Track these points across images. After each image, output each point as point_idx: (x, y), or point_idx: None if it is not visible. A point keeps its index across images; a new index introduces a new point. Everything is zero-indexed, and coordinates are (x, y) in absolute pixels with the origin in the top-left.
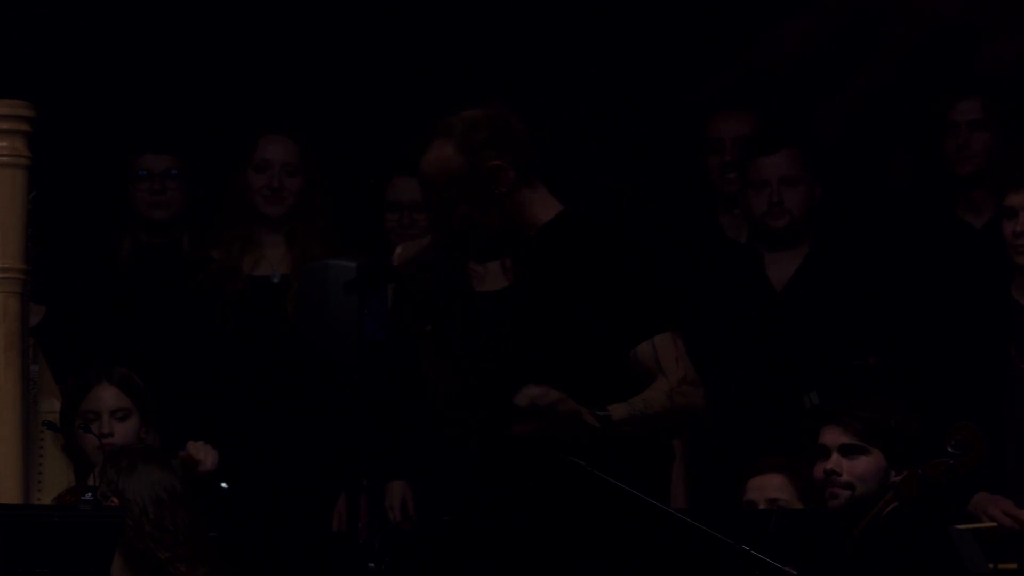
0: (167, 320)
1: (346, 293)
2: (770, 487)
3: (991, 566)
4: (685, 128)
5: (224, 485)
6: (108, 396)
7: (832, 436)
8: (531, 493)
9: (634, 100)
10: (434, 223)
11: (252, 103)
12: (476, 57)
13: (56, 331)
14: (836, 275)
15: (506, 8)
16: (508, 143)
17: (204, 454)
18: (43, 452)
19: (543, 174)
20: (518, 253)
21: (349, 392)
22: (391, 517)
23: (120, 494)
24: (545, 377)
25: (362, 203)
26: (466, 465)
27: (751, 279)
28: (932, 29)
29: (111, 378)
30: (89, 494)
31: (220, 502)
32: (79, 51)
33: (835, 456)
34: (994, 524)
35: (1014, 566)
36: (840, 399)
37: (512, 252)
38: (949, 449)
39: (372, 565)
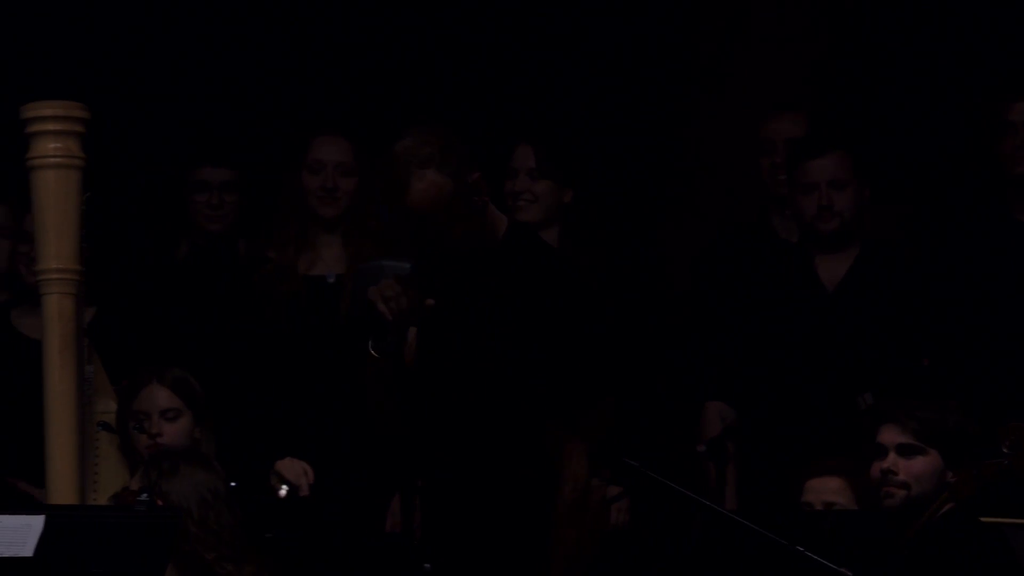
0: (222, 321)
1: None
2: (827, 490)
3: None
4: (740, 129)
5: (283, 491)
6: (158, 396)
7: (890, 435)
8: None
9: (686, 100)
10: (420, 252)
11: (304, 104)
12: (524, 58)
13: (111, 332)
14: (888, 275)
15: (554, 8)
16: (468, 154)
17: (297, 476)
18: (98, 453)
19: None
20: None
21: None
22: None
23: (164, 496)
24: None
25: None
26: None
27: (802, 280)
28: (987, 29)
29: (162, 379)
30: (144, 495)
31: (273, 502)
32: (135, 54)
33: (892, 455)
34: None
35: None
36: (894, 400)
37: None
38: (1004, 450)
39: (428, 566)
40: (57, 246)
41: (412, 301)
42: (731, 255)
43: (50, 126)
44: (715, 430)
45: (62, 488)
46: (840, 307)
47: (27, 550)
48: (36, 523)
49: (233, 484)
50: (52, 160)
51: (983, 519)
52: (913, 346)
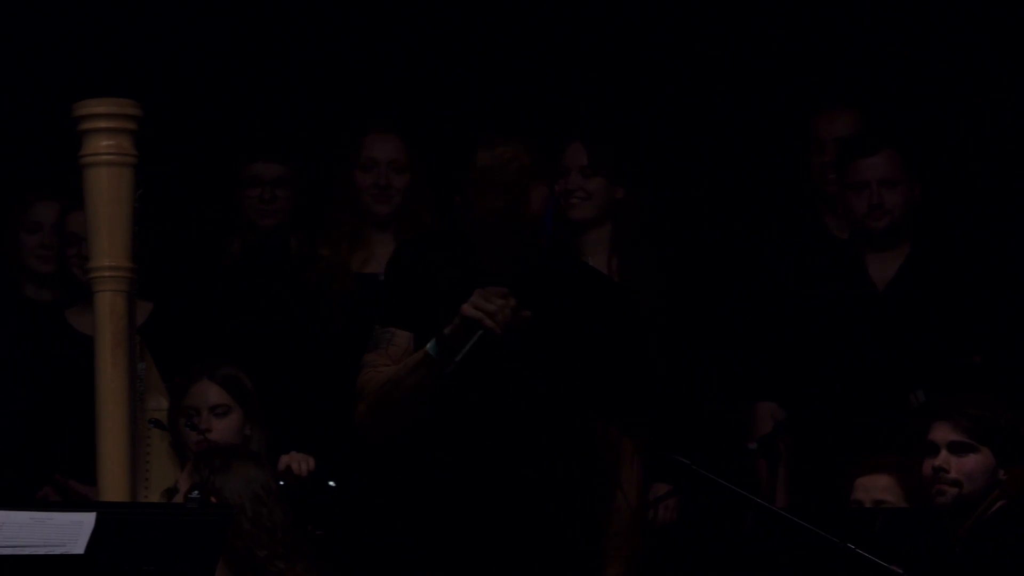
0: (274, 318)
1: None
2: (877, 487)
3: None
4: (790, 126)
5: (332, 483)
6: (209, 393)
7: (942, 433)
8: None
9: (740, 96)
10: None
11: (355, 99)
12: (574, 55)
13: (163, 329)
14: (939, 273)
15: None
16: None
17: (299, 464)
18: (150, 450)
19: None
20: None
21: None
22: None
23: (217, 492)
24: None
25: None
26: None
27: (853, 278)
28: None
29: (213, 375)
30: (196, 492)
31: (327, 500)
32: (189, 52)
33: (944, 453)
34: None
35: None
36: (946, 397)
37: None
38: None
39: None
40: (109, 243)
41: (515, 312)
42: (782, 253)
43: (103, 124)
44: (766, 429)
45: (113, 485)
46: (890, 305)
47: (78, 547)
48: (87, 520)
49: (282, 482)
50: (105, 158)
51: None
52: (965, 343)
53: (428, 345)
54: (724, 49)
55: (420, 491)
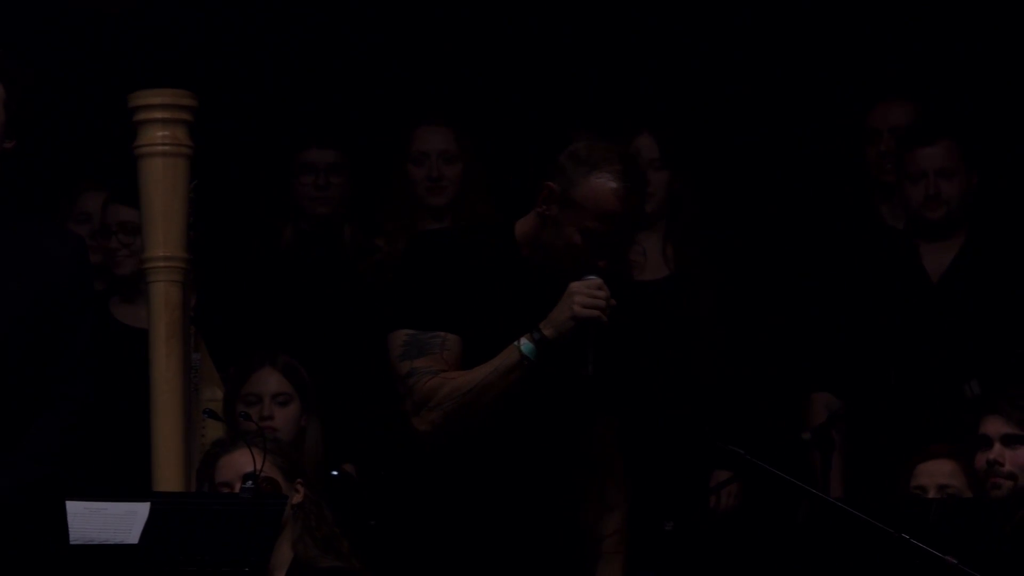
0: (328, 308)
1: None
2: (941, 473)
3: None
4: (846, 116)
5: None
6: (271, 380)
7: (994, 426)
8: None
9: (796, 87)
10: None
11: (408, 93)
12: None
13: (216, 318)
14: (993, 264)
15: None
16: None
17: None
18: (204, 441)
19: None
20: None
21: None
22: None
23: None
24: None
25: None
26: None
27: (907, 269)
28: None
29: (275, 363)
30: (249, 482)
31: (375, 491)
32: (242, 42)
33: (997, 446)
34: None
35: None
36: (997, 390)
37: None
38: None
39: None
40: (164, 234)
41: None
42: (838, 242)
43: (158, 114)
44: (821, 420)
45: (168, 475)
46: (944, 296)
47: (132, 537)
48: (141, 510)
49: (335, 472)
50: (160, 148)
51: None
52: (1018, 334)
53: (523, 348)
54: (781, 40)
55: (451, 489)
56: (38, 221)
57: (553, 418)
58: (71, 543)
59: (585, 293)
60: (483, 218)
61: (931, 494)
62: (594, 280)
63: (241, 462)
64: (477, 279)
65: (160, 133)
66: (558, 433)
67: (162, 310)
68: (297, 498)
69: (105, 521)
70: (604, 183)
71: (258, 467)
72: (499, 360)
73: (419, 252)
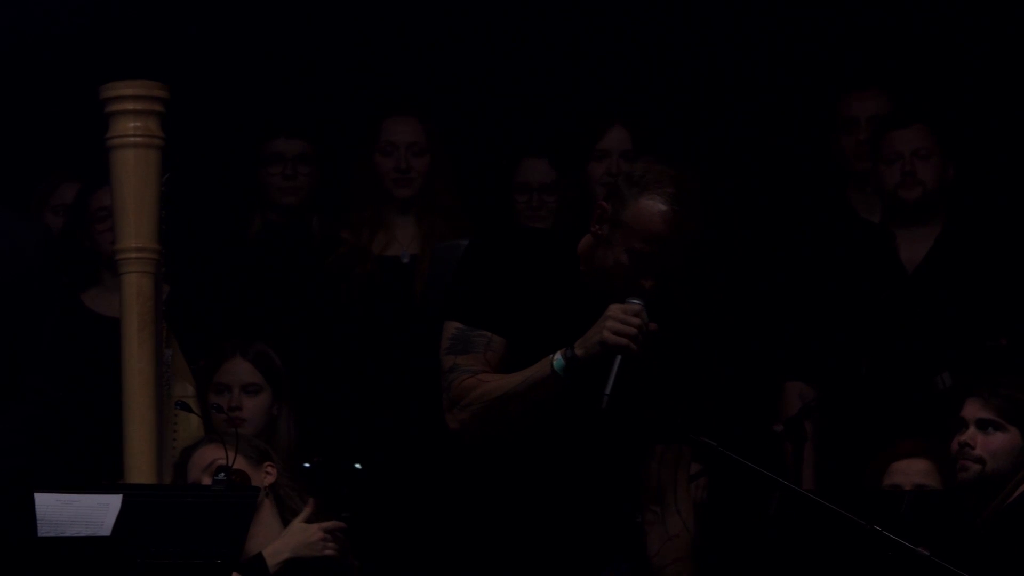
0: (295, 300)
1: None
2: (915, 471)
3: None
4: (815, 107)
5: (357, 466)
6: (240, 370)
7: (972, 409)
8: None
9: (769, 78)
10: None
11: (377, 84)
12: (603, 42)
13: (184, 311)
14: (968, 256)
15: None
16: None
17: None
18: (176, 434)
19: None
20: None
21: None
22: None
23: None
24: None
25: (490, 184)
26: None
27: (882, 260)
28: None
29: (245, 352)
30: (222, 474)
31: (353, 485)
32: (211, 34)
33: (971, 429)
34: None
35: None
36: (982, 375)
37: None
38: None
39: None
40: (136, 225)
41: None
42: (813, 233)
43: (130, 105)
44: (795, 409)
45: (140, 467)
46: (919, 288)
47: (104, 529)
48: (113, 502)
49: (307, 465)
50: (132, 140)
51: None
52: (991, 326)
53: (555, 364)
54: (755, 31)
55: (481, 496)
56: (0, 211)
57: (592, 441)
58: (43, 535)
59: (619, 318)
60: (447, 212)
61: (905, 491)
62: (634, 305)
63: (209, 457)
64: (533, 287)
65: (132, 124)
66: (598, 457)
67: (134, 301)
68: (270, 479)
69: (77, 513)
70: (653, 205)
71: (229, 460)
72: (531, 371)
73: (483, 249)
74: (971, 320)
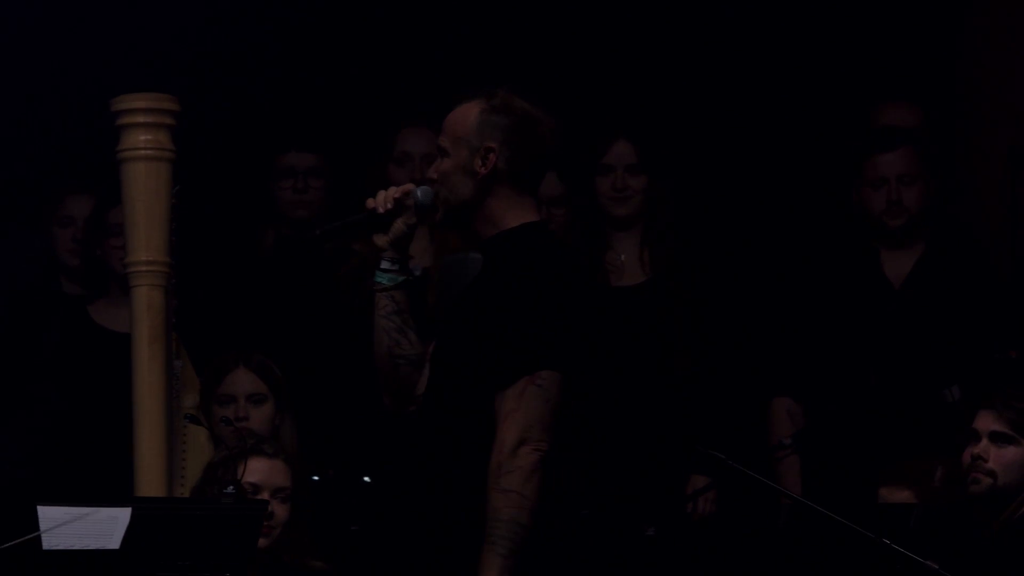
0: (308, 313)
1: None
2: (897, 500)
3: None
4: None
5: (367, 479)
6: (244, 380)
7: (985, 422)
8: None
9: (771, 94)
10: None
11: (387, 98)
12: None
13: (196, 322)
14: (954, 269)
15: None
16: (520, 141)
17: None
18: (185, 446)
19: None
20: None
21: None
22: None
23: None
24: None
25: None
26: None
27: (869, 275)
28: None
29: (248, 363)
30: (231, 487)
31: (363, 498)
32: (222, 47)
33: (984, 442)
34: None
35: None
36: (997, 387)
37: (465, 230)
38: None
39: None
40: (147, 238)
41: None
42: (809, 247)
43: (140, 118)
44: (783, 426)
45: (149, 480)
46: (906, 302)
47: (114, 542)
48: (123, 515)
49: (316, 478)
50: (143, 152)
51: None
52: (999, 338)
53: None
54: (758, 47)
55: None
56: (3, 224)
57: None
58: (53, 549)
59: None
60: None
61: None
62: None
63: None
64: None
65: (143, 137)
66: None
67: (144, 314)
68: None
69: (86, 526)
70: None
71: (239, 473)
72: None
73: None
74: (969, 332)
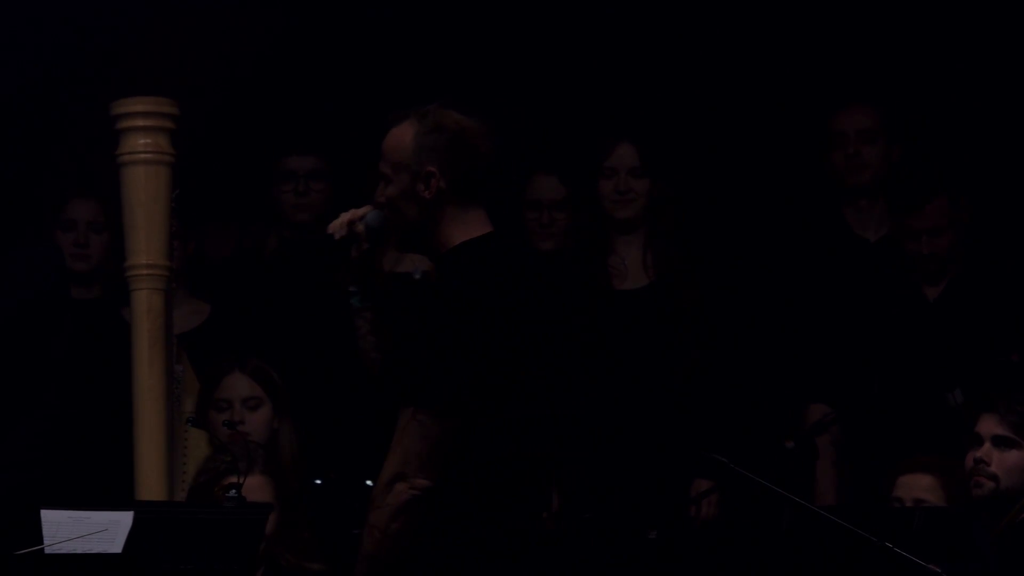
0: (310, 316)
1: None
2: (918, 487)
3: None
4: (805, 124)
5: (369, 483)
6: (240, 385)
7: (987, 425)
8: None
9: (754, 96)
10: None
11: (388, 101)
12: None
13: (204, 329)
14: (984, 282)
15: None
16: (458, 159)
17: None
18: (186, 450)
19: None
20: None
21: None
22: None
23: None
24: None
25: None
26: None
27: (888, 278)
28: None
29: (243, 367)
30: (234, 491)
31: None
32: (222, 51)
33: (987, 446)
34: None
35: None
36: (999, 391)
37: (423, 252)
38: None
39: None
40: (147, 242)
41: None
42: (817, 252)
43: (140, 122)
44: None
45: (150, 484)
46: (939, 310)
47: (116, 546)
48: (125, 519)
49: (318, 481)
50: (142, 156)
51: None
52: (1003, 342)
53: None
54: (758, 50)
55: None
56: (14, 232)
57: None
58: (55, 553)
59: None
60: None
61: (906, 506)
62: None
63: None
64: None
65: (143, 141)
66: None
67: (144, 318)
68: None
69: (88, 530)
70: None
71: (241, 477)
72: None
73: None
74: (983, 336)
